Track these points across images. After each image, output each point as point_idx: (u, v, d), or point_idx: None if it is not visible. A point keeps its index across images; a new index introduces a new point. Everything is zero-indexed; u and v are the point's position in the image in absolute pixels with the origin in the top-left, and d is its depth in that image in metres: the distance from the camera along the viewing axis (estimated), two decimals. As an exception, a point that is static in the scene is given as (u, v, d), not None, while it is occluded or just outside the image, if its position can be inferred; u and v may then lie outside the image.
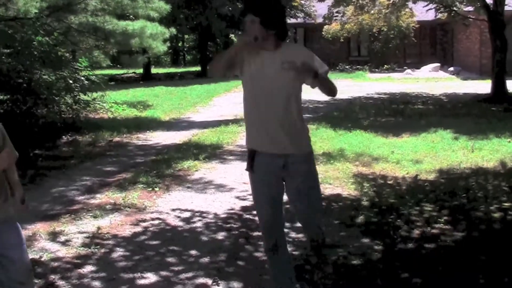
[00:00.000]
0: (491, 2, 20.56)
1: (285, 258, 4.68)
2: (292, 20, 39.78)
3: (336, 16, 31.41)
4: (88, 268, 5.67)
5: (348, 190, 8.69)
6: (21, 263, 4.01)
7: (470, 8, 23.57)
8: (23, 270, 4.03)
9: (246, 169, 4.52)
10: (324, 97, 19.90)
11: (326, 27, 35.37)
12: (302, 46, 4.27)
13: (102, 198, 8.45)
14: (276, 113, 4.29)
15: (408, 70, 35.84)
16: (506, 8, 20.90)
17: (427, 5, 22.99)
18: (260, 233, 5.11)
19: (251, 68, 4.34)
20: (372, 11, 28.13)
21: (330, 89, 4.45)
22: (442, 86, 26.39)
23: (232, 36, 50.25)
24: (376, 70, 37.53)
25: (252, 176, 4.52)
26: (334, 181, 9.08)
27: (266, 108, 4.31)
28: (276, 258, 4.62)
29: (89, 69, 16.42)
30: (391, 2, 25.35)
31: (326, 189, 8.52)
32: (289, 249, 5.86)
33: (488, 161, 10.43)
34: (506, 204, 7.73)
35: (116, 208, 7.86)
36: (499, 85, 20.49)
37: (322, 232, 4.74)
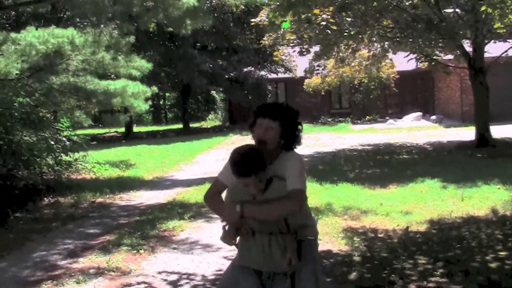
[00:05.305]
0: (471, 50, 20.67)
1: None
2: (273, 75, 39.99)
3: (317, 69, 31.48)
4: None
5: (338, 245, 8.47)
6: None
7: (450, 57, 23.71)
8: None
9: None
10: (309, 151, 19.83)
11: (307, 80, 35.40)
12: (295, 156, 4.18)
13: (85, 262, 8.18)
14: None
15: (391, 120, 35.97)
16: (486, 55, 21.01)
17: (408, 55, 23.04)
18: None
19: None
20: (352, 64, 28.20)
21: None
22: (425, 135, 26.37)
23: (213, 92, 50.43)
24: (359, 121, 37.54)
25: None
26: (324, 236, 8.83)
27: None
28: None
29: (70, 129, 16.31)
30: (371, 54, 25.42)
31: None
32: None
33: (479, 209, 10.27)
34: (502, 253, 7.55)
35: (99, 272, 7.61)
36: (482, 131, 20.49)
37: None
